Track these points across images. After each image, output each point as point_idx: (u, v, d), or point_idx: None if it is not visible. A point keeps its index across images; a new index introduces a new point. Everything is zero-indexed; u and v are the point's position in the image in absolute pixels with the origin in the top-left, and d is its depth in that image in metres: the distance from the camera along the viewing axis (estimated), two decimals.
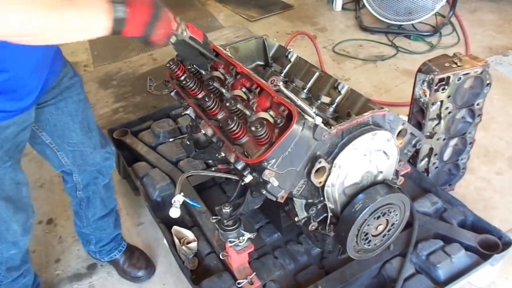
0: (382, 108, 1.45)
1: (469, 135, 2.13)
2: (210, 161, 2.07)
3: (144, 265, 2.04)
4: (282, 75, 1.80)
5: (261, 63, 1.93)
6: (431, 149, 2.12)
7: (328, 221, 1.50)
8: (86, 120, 1.62)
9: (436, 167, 2.20)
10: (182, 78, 1.58)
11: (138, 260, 2.05)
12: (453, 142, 2.15)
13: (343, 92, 1.60)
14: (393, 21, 3.88)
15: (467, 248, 1.75)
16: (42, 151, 1.62)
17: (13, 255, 1.56)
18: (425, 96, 1.97)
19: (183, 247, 1.88)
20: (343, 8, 4.46)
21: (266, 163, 1.25)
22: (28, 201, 1.52)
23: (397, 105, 2.92)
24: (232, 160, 1.38)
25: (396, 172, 1.59)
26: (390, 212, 1.52)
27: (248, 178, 1.31)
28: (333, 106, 1.61)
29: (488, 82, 1.97)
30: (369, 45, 3.84)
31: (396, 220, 1.57)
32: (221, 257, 1.74)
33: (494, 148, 2.64)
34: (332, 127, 1.33)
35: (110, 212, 1.92)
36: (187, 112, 1.63)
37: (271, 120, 1.32)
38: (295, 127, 1.24)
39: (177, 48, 1.35)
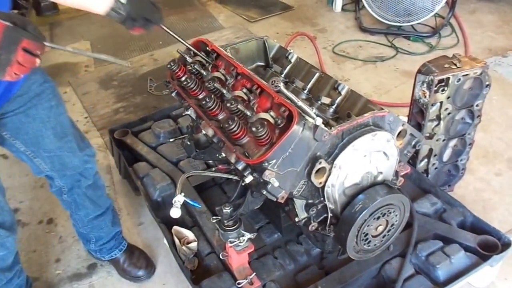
0: (382, 109, 1.46)
1: (468, 136, 2.14)
2: (210, 161, 2.07)
3: (144, 265, 2.04)
4: (283, 76, 1.81)
5: (262, 64, 1.93)
6: (430, 150, 2.13)
7: (328, 221, 1.50)
8: (59, 125, 1.59)
9: (436, 168, 2.20)
10: (183, 78, 1.59)
11: (138, 259, 2.05)
12: (452, 143, 2.16)
13: (343, 93, 1.61)
14: (393, 22, 3.89)
15: (467, 249, 1.76)
16: (19, 158, 1.61)
17: (4, 256, 1.56)
18: (425, 97, 1.97)
19: (183, 247, 1.88)
20: (342, 9, 4.46)
21: (266, 164, 1.25)
22: (3, 206, 1.50)
23: (396, 106, 2.93)
24: (232, 160, 1.38)
25: (396, 173, 1.59)
26: (390, 213, 1.53)
27: (248, 179, 1.32)
28: (333, 107, 1.61)
29: (487, 83, 1.98)
30: (369, 46, 3.85)
31: (396, 221, 1.58)
32: (221, 257, 1.74)
33: (493, 149, 2.64)
34: (332, 128, 1.34)
35: (105, 211, 1.91)
36: (188, 112, 1.63)
37: (271, 120, 1.33)
38: (296, 128, 1.25)
39: (127, 7, 1.29)
